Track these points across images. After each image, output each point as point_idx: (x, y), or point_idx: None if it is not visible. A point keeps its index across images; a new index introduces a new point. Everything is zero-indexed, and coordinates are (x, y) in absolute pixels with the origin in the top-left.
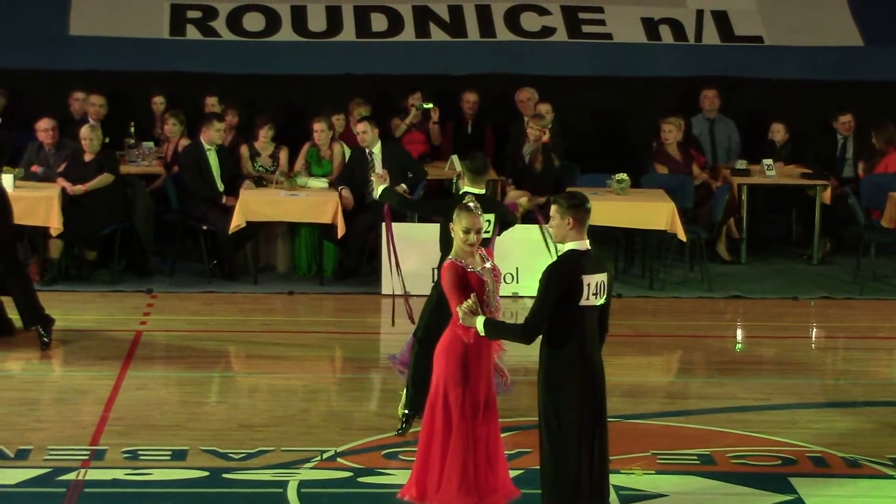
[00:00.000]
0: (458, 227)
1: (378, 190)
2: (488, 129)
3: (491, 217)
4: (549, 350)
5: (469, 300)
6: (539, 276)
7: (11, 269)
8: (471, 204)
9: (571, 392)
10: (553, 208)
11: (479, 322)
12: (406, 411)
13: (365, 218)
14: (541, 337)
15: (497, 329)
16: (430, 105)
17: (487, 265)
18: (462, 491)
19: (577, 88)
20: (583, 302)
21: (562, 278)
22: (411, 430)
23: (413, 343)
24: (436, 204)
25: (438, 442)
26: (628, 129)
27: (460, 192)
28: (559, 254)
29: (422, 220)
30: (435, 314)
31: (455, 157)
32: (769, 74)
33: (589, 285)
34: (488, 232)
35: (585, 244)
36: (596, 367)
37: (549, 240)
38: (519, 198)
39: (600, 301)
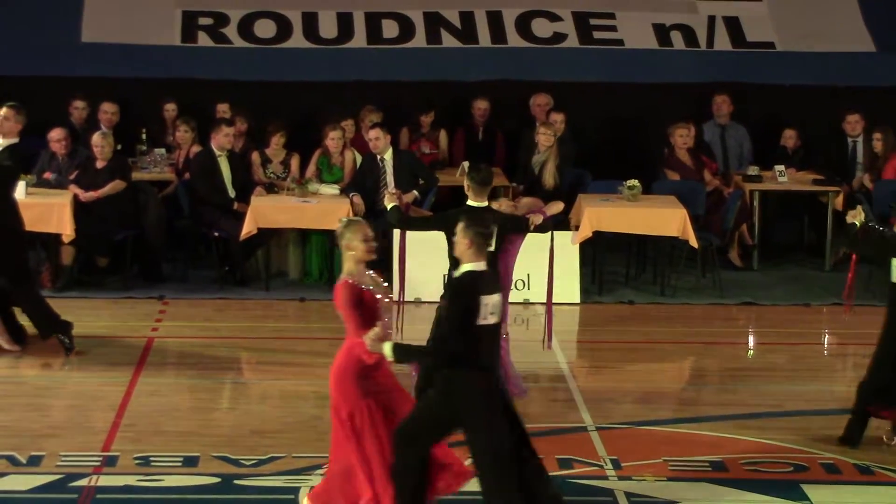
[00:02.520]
0: (355, 241)
1: (388, 206)
2: (499, 136)
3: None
4: (449, 368)
5: (376, 328)
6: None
7: (19, 283)
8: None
9: (475, 410)
10: (458, 226)
11: (387, 348)
12: None
13: (376, 224)
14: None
15: (407, 353)
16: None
17: (381, 281)
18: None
19: (588, 95)
20: (480, 321)
21: (465, 299)
22: None
23: None
24: (436, 219)
25: (349, 455)
26: (640, 136)
27: (466, 204)
28: (458, 275)
29: None
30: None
31: (466, 164)
32: (781, 80)
33: (486, 305)
34: (489, 245)
35: (482, 265)
36: (497, 382)
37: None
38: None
39: (496, 320)
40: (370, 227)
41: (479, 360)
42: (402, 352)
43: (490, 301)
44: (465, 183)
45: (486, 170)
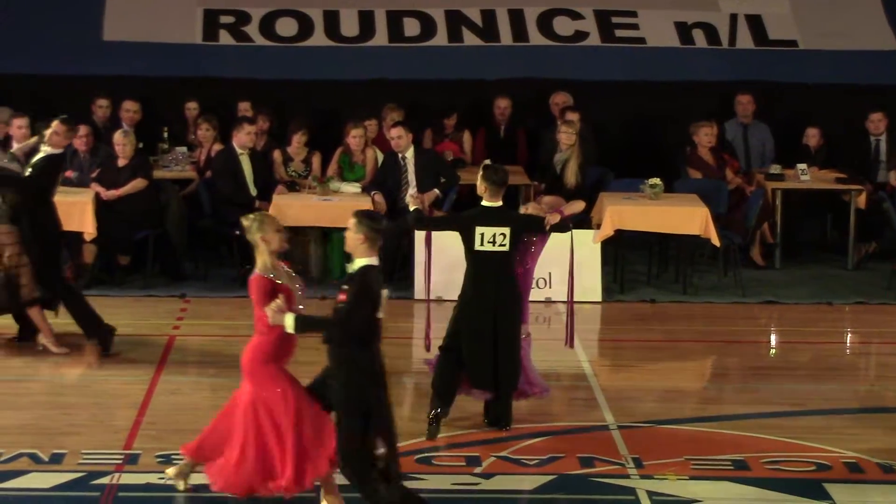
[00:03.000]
0: (270, 233)
1: (410, 208)
2: (521, 134)
3: (506, 230)
4: (350, 353)
5: (277, 300)
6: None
7: (66, 292)
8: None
9: (371, 390)
10: (351, 221)
11: (289, 319)
12: (431, 414)
13: (398, 223)
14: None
15: (306, 323)
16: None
17: (294, 275)
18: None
19: (610, 93)
20: (379, 313)
21: (372, 291)
22: (442, 435)
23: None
24: (451, 219)
25: (253, 439)
26: (662, 134)
27: (481, 205)
28: (359, 268)
29: None
30: (455, 326)
31: (487, 162)
32: (803, 79)
33: (383, 299)
34: (504, 245)
35: (375, 260)
36: (382, 367)
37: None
38: (536, 210)
39: (383, 315)
40: (278, 221)
41: (373, 347)
42: (302, 323)
43: (384, 294)
44: (481, 184)
45: (501, 170)
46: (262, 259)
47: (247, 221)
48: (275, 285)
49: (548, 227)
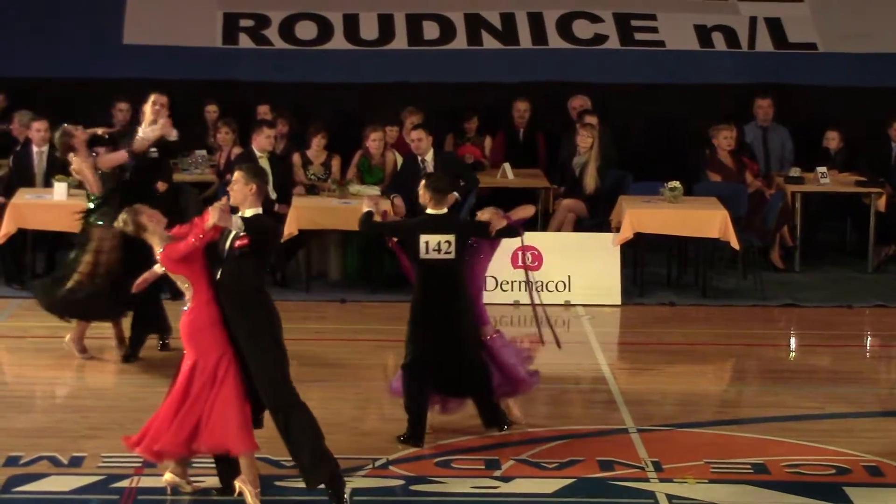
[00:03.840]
0: (144, 219)
1: (363, 209)
2: (540, 137)
3: (451, 237)
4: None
5: (221, 201)
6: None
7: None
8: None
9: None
10: (238, 174)
11: (237, 219)
12: (403, 438)
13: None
14: (237, 288)
15: (250, 221)
16: None
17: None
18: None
19: (629, 96)
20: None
21: (269, 231)
22: (461, 438)
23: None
24: (396, 226)
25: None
26: (681, 137)
27: (426, 213)
28: (253, 216)
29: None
30: (412, 340)
31: (507, 166)
32: (823, 81)
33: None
34: (450, 253)
35: (260, 209)
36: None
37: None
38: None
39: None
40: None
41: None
42: (246, 220)
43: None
44: (424, 193)
45: (444, 178)
46: (157, 239)
47: (122, 224)
48: (179, 232)
49: (493, 233)
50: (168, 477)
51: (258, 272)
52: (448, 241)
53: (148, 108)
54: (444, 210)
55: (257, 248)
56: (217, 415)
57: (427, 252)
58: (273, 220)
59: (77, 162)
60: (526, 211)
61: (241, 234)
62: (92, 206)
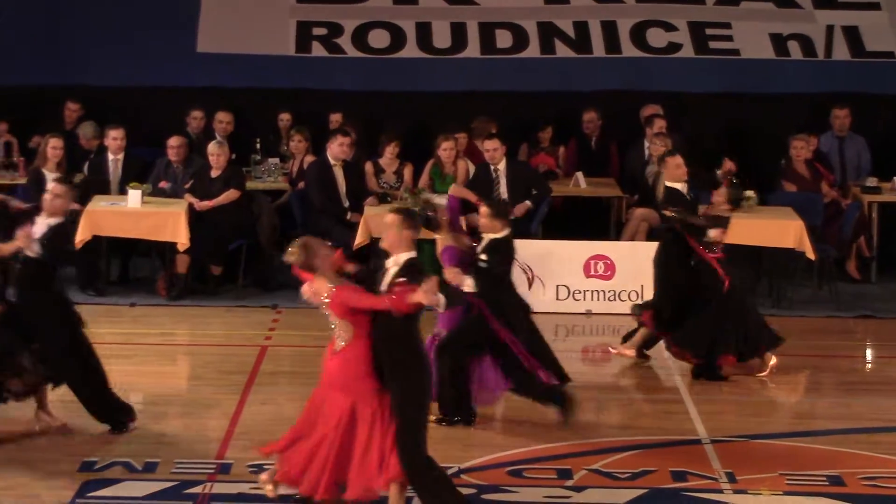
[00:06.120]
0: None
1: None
2: (613, 146)
3: None
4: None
5: (428, 280)
6: None
7: None
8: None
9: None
10: (393, 218)
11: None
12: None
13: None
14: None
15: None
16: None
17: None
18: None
19: (703, 105)
20: None
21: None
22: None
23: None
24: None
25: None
26: (756, 147)
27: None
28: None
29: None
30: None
31: (580, 175)
32: None
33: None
34: None
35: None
36: None
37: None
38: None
39: None
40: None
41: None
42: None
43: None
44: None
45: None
46: (326, 279)
47: (292, 255)
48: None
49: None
50: (264, 476)
51: (413, 321)
52: None
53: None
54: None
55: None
56: (368, 459)
57: None
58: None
59: None
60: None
61: (400, 279)
62: None
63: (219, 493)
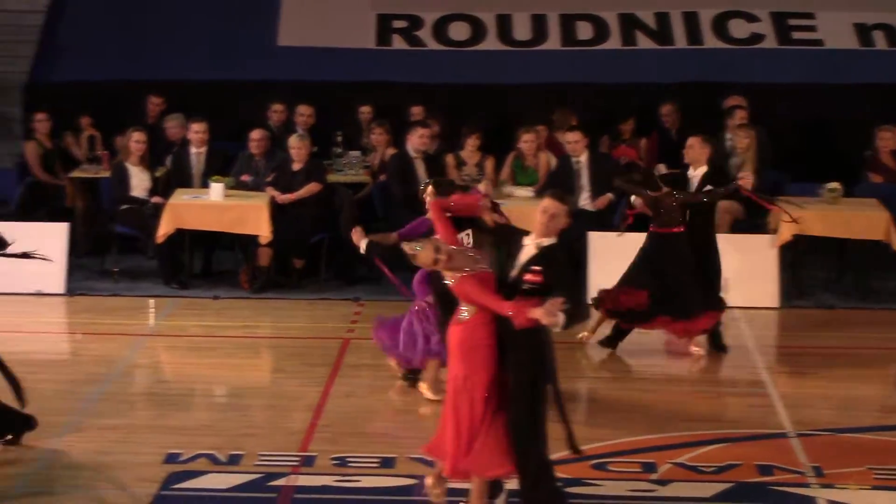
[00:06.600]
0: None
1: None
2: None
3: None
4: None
5: (552, 301)
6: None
7: None
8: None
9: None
10: (550, 203)
11: (562, 318)
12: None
13: (573, 226)
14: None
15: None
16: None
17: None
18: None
19: (786, 96)
20: None
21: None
22: (617, 441)
23: None
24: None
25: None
26: (840, 138)
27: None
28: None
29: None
30: None
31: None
32: None
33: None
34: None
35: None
36: None
37: None
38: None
39: None
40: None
41: None
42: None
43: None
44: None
45: (447, 182)
46: (453, 270)
47: (425, 255)
48: (484, 275)
49: None
50: (430, 480)
51: None
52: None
53: None
54: None
55: (548, 286)
56: (487, 435)
57: None
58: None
59: None
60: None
61: (535, 267)
62: None
63: (303, 486)
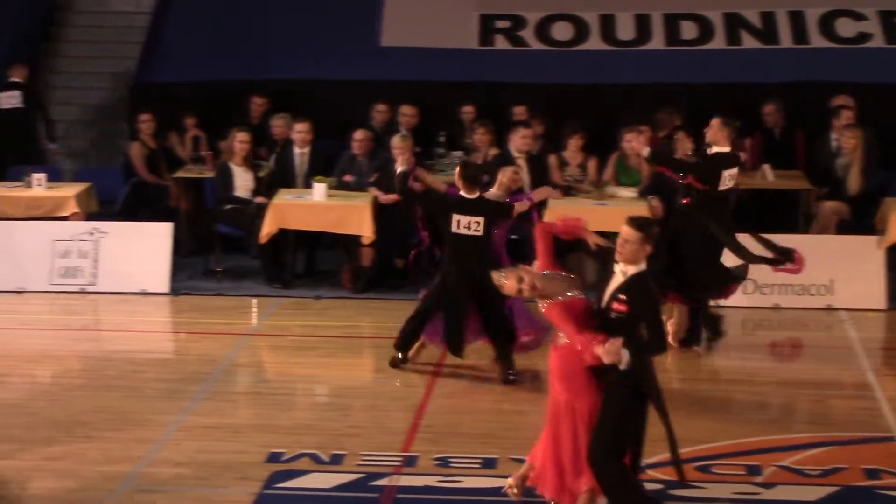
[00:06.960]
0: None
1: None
2: (799, 138)
3: (480, 219)
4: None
5: (612, 341)
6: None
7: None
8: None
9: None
10: (631, 233)
11: (626, 355)
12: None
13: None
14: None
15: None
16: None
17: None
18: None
19: (894, 96)
20: None
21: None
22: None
23: None
24: (433, 198)
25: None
26: None
27: (459, 195)
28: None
29: None
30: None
31: (767, 167)
32: None
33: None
34: (479, 231)
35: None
36: None
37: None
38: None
39: None
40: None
41: None
42: (637, 353)
43: None
44: (458, 179)
45: (473, 166)
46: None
47: (498, 280)
48: (576, 302)
49: (515, 214)
50: (511, 480)
51: (630, 338)
52: (478, 222)
53: None
54: (476, 194)
55: (633, 315)
56: (568, 459)
57: (458, 228)
58: (653, 284)
59: None
60: (543, 193)
61: (621, 296)
62: None
63: (405, 486)
